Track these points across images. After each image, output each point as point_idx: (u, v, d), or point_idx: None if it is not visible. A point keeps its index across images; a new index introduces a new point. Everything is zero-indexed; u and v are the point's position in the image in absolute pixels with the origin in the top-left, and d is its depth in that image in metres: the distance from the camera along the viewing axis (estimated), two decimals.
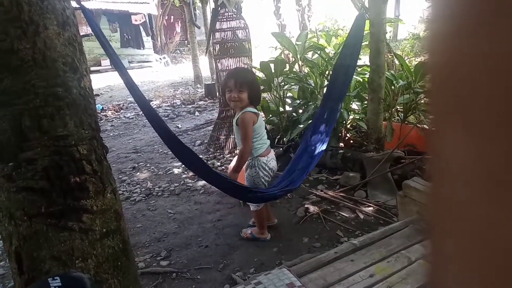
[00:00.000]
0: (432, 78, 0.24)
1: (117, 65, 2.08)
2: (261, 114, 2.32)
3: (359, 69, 3.85)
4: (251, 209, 2.40)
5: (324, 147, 2.39)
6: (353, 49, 2.41)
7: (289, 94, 4.29)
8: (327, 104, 2.48)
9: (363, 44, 4.01)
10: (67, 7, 1.35)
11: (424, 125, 3.62)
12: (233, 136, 4.28)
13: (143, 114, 2.24)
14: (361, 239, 1.58)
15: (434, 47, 0.24)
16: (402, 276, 1.34)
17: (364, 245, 1.54)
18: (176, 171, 3.85)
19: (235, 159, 3.28)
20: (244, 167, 2.28)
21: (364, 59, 4.13)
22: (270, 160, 2.29)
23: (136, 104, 8.20)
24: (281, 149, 3.89)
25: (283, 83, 4.04)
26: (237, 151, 4.10)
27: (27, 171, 1.23)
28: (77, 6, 2.04)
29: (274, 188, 2.26)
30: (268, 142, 2.32)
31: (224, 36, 4.28)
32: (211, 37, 4.34)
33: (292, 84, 4.00)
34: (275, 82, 3.99)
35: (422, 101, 3.91)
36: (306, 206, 2.83)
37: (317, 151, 2.38)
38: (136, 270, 1.55)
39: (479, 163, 0.21)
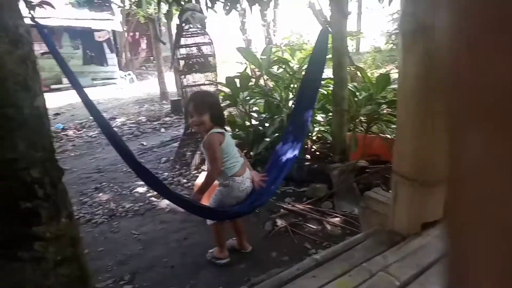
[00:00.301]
0: (456, 84, 0.24)
1: (74, 84, 2.01)
2: (229, 131, 2.26)
3: (323, 82, 3.92)
4: (207, 223, 2.33)
5: (291, 160, 2.37)
6: (319, 64, 2.44)
7: (255, 108, 4.31)
8: (295, 118, 2.48)
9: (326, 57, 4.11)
10: (21, 24, 1.29)
11: (386, 135, 3.72)
12: (199, 152, 4.23)
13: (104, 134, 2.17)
14: (323, 254, 1.58)
15: (458, 54, 0.24)
16: None
17: (326, 259, 1.53)
18: (140, 190, 3.75)
19: (202, 176, 3.23)
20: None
21: (327, 72, 4.21)
22: (245, 180, 2.20)
23: None
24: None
25: (248, 98, 4.05)
26: (204, 167, 4.05)
27: None
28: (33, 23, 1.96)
29: (240, 205, 2.22)
30: (242, 160, 2.25)
31: (189, 51, 4.27)
32: (175, 53, 4.31)
33: (258, 98, 4.02)
34: (240, 96, 4.00)
35: (385, 111, 4.03)
36: (273, 219, 2.82)
37: (285, 165, 2.37)
38: None
39: (498, 163, 0.21)
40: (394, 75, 5.85)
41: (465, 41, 0.23)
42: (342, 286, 1.34)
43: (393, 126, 3.76)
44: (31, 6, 1.91)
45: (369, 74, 4.70)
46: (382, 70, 8.32)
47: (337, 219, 2.77)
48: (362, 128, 3.99)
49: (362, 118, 3.97)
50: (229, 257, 2.37)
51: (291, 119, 2.56)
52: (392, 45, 11.52)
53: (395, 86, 4.01)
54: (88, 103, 1.97)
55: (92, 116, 2.03)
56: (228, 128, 4.50)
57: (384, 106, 3.89)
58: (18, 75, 1.22)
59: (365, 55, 11.36)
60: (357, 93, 3.86)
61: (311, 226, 2.72)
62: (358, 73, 4.74)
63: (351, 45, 10.99)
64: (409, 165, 1.68)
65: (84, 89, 2.02)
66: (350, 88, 3.70)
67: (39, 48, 13.96)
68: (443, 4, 0.25)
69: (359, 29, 13.48)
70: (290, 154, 2.38)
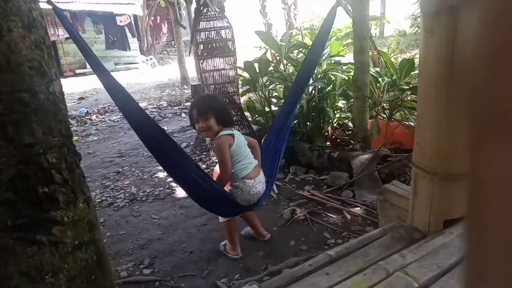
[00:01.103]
0: (474, 95, 0.24)
1: (96, 68, 1.91)
2: (237, 133, 2.16)
3: (344, 67, 3.82)
4: (220, 220, 2.28)
5: (282, 149, 2.30)
6: (321, 43, 2.35)
7: (274, 93, 4.25)
8: (287, 105, 2.38)
9: (348, 41, 4.00)
10: (34, 8, 1.28)
11: (410, 122, 3.61)
12: None
13: (127, 120, 2.04)
14: (337, 250, 1.51)
15: (477, 64, 0.23)
16: None
17: (340, 256, 1.46)
18: (161, 174, 3.78)
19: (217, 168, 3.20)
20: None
21: (348, 56, 4.10)
22: (257, 184, 2.10)
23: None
24: None
25: (268, 83, 4.00)
26: None
27: None
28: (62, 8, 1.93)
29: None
30: (255, 162, 2.14)
31: (208, 36, 4.22)
32: (194, 37, 4.27)
33: (277, 83, 3.95)
34: (260, 81, 3.94)
35: (408, 98, 3.91)
36: (292, 208, 2.79)
37: (277, 155, 2.28)
38: (112, 282, 1.49)
39: None
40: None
41: (495, 43, 0.22)
42: (357, 285, 1.27)
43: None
44: None
45: (392, 59, 4.55)
46: (407, 55, 8.08)
47: (358, 208, 2.72)
48: (384, 115, 3.89)
49: (384, 104, 3.87)
50: (241, 253, 2.30)
51: (284, 105, 2.45)
52: (417, 28, 11.12)
53: None
54: (114, 88, 1.86)
55: (117, 102, 1.93)
56: (247, 114, 4.47)
57: (408, 92, 3.76)
58: (33, 60, 1.21)
59: (389, 39, 11.04)
60: (380, 79, 3.74)
61: (330, 215, 2.68)
62: (381, 57, 4.60)
63: (374, 29, 10.70)
64: (430, 157, 1.58)
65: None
66: (372, 73, 3.59)
67: (63, 33, 14.20)
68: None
69: (383, 12, 13.10)
70: (279, 147, 2.29)
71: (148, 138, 1.93)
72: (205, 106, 2.10)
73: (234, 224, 2.29)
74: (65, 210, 1.25)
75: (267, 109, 4.12)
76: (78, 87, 10.54)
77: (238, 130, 4.21)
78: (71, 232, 1.27)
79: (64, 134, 1.32)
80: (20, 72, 1.19)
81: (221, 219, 2.27)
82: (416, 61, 3.96)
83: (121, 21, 14.43)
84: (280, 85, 4.07)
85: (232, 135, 2.09)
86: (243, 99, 4.72)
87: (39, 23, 1.30)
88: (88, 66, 14.27)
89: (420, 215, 1.65)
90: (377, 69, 4.07)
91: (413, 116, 3.59)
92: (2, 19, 1.16)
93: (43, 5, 1.46)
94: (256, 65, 3.89)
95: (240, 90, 4.42)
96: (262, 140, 3.88)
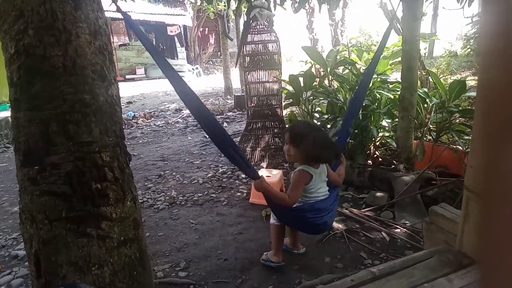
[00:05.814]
0: (486, 94, 0.25)
1: (164, 67, 1.87)
2: (318, 173, 2.10)
3: (390, 86, 3.76)
4: (270, 221, 2.28)
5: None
6: (373, 65, 2.61)
7: (317, 108, 4.24)
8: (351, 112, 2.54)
9: (395, 60, 3.94)
10: (100, 17, 1.38)
11: (458, 146, 3.47)
12: (259, 149, 4.26)
13: (196, 121, 2.10)
14: (380, 268, 1.47)
15: (487, 63, 0.24)
16: None
17: (383, 274, 1.43)
18: (200, 180, 3.86)
19: (276, 175, 3.22)
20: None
21: (395, 75, 4.03)
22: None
23: (166, 113, 8.25)
24: None
25: (311, 97, 4.00)
26: (263, 164, 4.07)
27: (51, 175, 1.25)
28: (114, 17, 2.02)
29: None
30: (326, 194, 2.14)
31: (255, 48, 4.31)
32: (242, 49, 4.37)
33: (321, 98, 3.95)
34: (304, 96, 3.96)
35: (457, 120, 3.77)
36: None
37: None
38: (151, 280, 1.54)
39: None
40: (471, 82, 5.45)
41: None
42: None
43: (466, 137, 3.51)
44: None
45: (442, 80, 4.41)
46: (457, 77, 7.81)
47: (397, 230, 2.64)
48: (430, 137, 3.77)
49: (431, 126, 3.75)
50: (283, 262, 2.28)
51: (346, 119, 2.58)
52: (470, 50, 10.72)
53: (471, 94, 3.73)
54: (180, 86, 1.87)
55: (183, 98, 1.93)
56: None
57: (457, 115, 3.63)
58: (96, 64, 1.30)
59: (439, 59, 10.72)
60: (427, 99, 3.65)
61: (368, 234, 2.62)
62: (430, 78, 4.48)
63: (423, 48, 10.44)
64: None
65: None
66: (419, 93, 3.51)
67: (117, 40, 14.94)
68: None
69: (434, 31, 12.74)
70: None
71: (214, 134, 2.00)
72: (296, 134, 2.09)
73: (283, 230, 2.28)
74: (114, 207, 1.32)
75: None
76: (127, 92, 11.02)
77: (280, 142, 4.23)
78: (118, 228, 1.33)
79: (118, 135, 1.40)
80: (84, 75, 1.27)
81: (272, 220, 2.25)
82: (468, 83, 3.82)
83: (171, 31, 14.99)
84: (323, 100, 4.06)
85: (311, 175, 2.05)
86: (285, 112, 4.74)
87: (104, 30, 1.40)
88: (137, 72, 14.84)
89: (470, 240, 1.59)
90: (425, 89, 3.97)
91: (462, 140, 3.46)
92: (72, 26, 1.26)
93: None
94: (301, 79, 3.92)
95: (283, 103, 4.45)
96: None
